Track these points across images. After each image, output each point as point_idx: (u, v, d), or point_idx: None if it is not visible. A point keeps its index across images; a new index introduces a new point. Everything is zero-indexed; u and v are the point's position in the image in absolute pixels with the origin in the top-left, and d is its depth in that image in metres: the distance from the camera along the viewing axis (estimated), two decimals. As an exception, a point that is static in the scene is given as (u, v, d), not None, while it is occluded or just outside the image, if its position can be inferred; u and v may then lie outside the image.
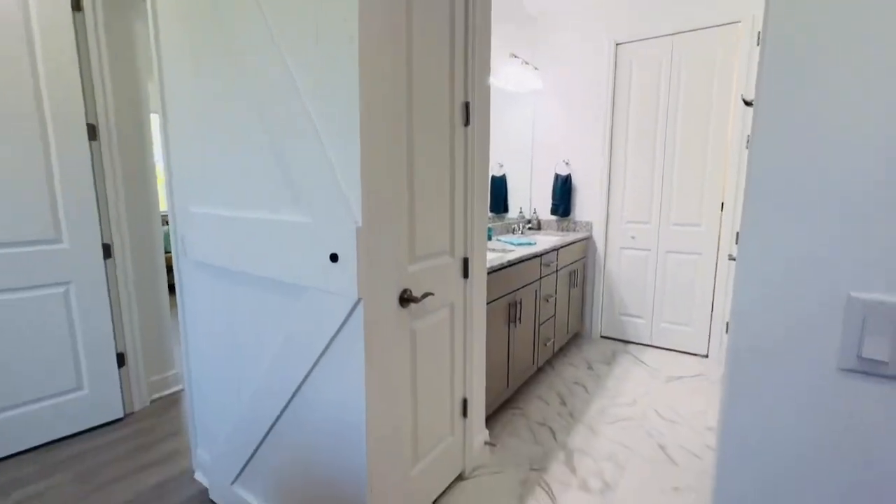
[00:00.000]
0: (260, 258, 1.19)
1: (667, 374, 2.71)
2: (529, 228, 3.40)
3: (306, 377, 1.17)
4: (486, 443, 1.83)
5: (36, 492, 1.63)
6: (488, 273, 1.84)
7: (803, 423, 0.67)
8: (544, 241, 2.77)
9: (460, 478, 1.72)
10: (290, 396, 1.21)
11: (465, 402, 1.68)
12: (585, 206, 3.31)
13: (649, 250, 3.10)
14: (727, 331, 2.68)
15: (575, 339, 3.33)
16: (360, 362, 1.04)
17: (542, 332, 2.56)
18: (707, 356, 2.96)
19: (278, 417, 1.27)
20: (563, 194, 3.30)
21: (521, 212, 3.39)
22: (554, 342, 2.74)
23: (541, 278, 2.45)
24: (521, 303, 2.20)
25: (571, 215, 3.38)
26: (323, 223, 1.04)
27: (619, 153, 3.14)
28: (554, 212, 3.37)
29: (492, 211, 3.07)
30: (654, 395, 2.43)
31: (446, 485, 1.64)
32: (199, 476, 1.69)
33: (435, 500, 1.58)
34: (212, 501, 1.57)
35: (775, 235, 0.66)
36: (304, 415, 1.20)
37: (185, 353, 1.59)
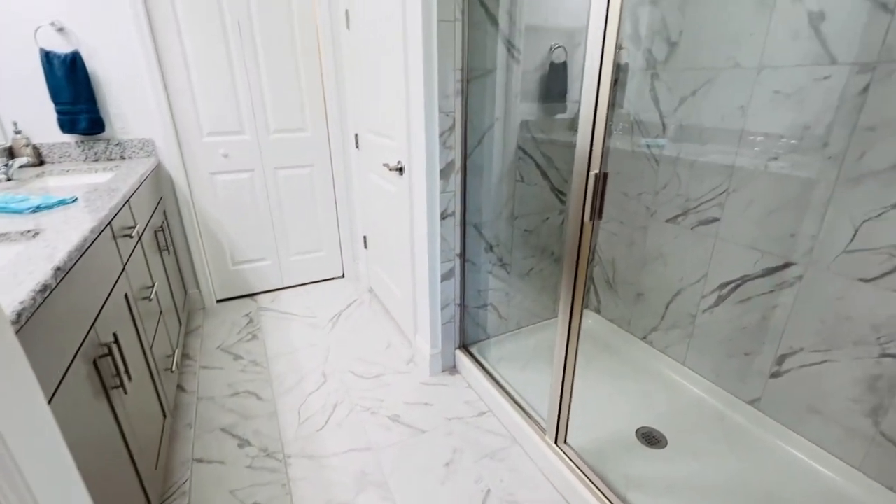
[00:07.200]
0: None
1: (324, 318, 2.26)
2: (23, 166, 1.72)
3: None
4: None
5: None
6: (19, 326, 0.61)
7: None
8: (78, 187, 1.41)
9: None
10: None
11: None
12: (132, 114, 1.96)
13: (253, 170, 2.29)
14: (366, 245, 2.47)
15: (191, 322, 2.21)
16: None
17: (157, 355, 1.42)
18: (344, 276, 2.72)
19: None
20: (78, 89, 1.79)
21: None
22: (174, 355, 1.63)
23: (125, 266, 1.23)
24: (116, 340, 1.01)
25: (108, 130, 1.95)
26: None
27: (169, 29, 1.93)
28: (70, 126, 1.82)
29: None
30: (333, 354, 1.95)
31: None
32: None
33: None
34: None
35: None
36: None
37: None
